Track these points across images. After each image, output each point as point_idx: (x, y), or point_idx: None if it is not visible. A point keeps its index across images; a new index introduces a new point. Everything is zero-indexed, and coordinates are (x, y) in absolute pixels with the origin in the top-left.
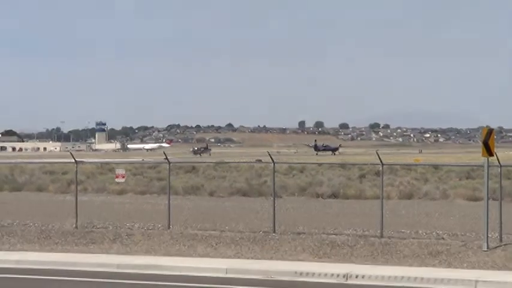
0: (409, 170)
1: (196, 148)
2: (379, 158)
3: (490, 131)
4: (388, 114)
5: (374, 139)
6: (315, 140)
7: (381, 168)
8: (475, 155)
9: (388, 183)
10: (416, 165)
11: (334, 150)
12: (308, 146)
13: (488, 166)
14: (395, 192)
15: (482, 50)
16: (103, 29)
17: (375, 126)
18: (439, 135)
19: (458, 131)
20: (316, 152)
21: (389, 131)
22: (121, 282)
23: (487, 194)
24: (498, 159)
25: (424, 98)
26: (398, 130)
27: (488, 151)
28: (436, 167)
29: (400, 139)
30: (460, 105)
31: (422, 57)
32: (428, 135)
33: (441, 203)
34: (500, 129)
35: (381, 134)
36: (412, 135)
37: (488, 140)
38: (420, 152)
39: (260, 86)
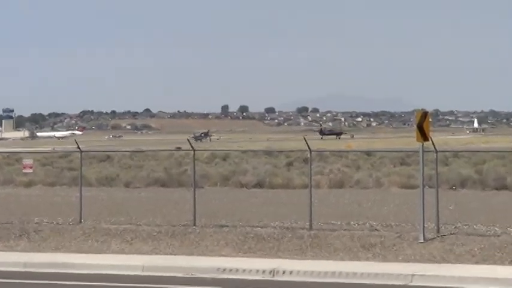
0: (340, 157)
1: (197, 134)
2: (307, 144)
3: (424, 114)
4: (317, 98)
5: (302, 124)
6: (321, 125)
7: (309, 155)
8: (409, 140)
9: (318, 171)
10: (347, 151)
11: (338, 134)
12: (313, 131)
13: (424, 151)
14: (325, 180)
15: (416, 35)
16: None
17: (302, 110)
18: (371, 119)
19: (391, 115)
20: (321, 137)
21: (318, 115)
22: (28, 283)
23: (423, 182)
24: (434, 144)
25: (356, 83)
26: (328, 114)
27: (423, 135)
28: (368, 153)
29: (331, 124)
30: (394, 89)
31: (354, 40)
32: (360, 119)
33: (374, 192)
34: (437, 112)
35: (310, 119)
36: (343, 119)
37: (423, 124)
38: (352, 137)
39: (181, 69)
